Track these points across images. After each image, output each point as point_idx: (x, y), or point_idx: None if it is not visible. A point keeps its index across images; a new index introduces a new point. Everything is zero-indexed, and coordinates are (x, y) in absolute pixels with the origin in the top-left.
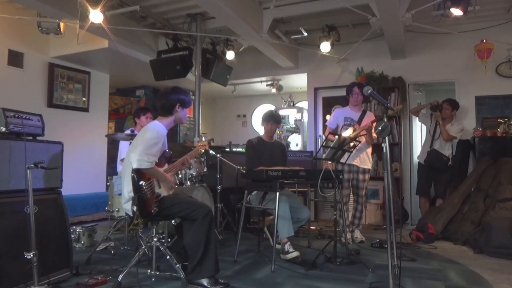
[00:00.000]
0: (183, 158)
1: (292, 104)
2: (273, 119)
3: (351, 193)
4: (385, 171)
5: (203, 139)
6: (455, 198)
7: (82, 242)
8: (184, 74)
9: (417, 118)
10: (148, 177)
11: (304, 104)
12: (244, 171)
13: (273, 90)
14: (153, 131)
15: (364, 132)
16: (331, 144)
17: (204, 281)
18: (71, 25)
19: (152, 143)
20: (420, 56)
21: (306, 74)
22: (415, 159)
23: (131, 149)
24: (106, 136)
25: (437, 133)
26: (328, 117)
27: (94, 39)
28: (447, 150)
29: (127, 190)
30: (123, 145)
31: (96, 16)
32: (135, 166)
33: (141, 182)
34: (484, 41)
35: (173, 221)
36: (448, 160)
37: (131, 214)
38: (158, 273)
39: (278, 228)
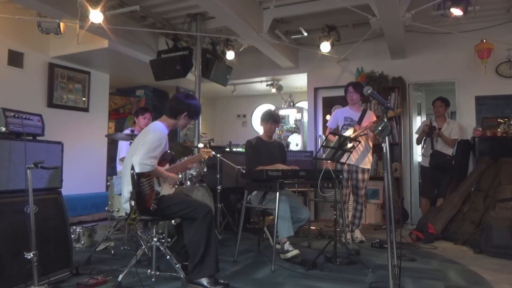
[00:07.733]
0: (185, 161)
1: (292, 104)
2: (271, 119)
3: (351, 193)
4: (385, 171)
5: (204, 140)
6: (455, 198)
7: (82, 242)
8: (184, 74)
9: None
10: (147, 174)
11: (304, 104)
12: (244, 171)
13: (273, 90)
14: (155, 132)
15: (364, 132)
16: (331, 144)
17: (204, 281)
18: (71, 25)
19: (154, 146)
20: (420, 56)
21: (306, 74)
22: (415, 159)
23: (132, 150)
24: (106, 136)
25: (434, 139)
26: (328, 117)
27: (94, 39)
28: (449, 149)
29: (127, 190)
30: (123, 145)
31: (96, 16)
32: (137, 170)
33: (140, 179)
34: (484, 41)
35: (173, 221)
36: (452, 159)
37: None
38: (158, 273)
39: (278, 228)
